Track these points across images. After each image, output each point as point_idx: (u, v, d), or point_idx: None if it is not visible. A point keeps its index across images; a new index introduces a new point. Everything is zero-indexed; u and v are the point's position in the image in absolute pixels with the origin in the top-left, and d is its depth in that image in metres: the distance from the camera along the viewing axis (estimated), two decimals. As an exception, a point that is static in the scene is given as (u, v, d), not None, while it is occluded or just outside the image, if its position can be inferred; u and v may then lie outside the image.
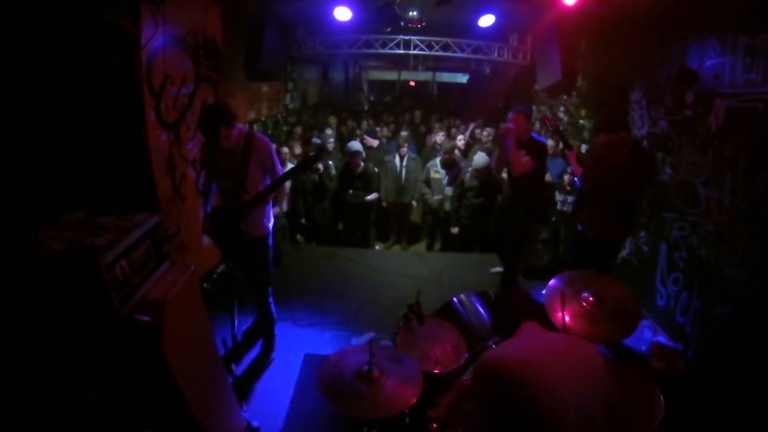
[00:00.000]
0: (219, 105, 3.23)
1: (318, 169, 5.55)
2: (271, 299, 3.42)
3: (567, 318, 2.26)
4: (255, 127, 6.35)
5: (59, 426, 1.71)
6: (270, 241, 3.29)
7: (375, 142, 6.56)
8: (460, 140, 6.23)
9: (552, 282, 2.52)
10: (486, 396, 1.57)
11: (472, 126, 7.58)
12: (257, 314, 3.48)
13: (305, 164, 3.24)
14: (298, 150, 6.07)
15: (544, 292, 2.48)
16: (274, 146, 3.19)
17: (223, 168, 3.04)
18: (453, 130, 7.63)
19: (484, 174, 4.81)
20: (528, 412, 1.42)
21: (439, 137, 6.47)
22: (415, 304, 2.45)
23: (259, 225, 3.18)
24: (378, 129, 7.38)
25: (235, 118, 3.01)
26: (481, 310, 2.63)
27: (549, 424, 1.42)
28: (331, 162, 5.95)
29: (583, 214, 3.49)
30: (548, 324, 1.91)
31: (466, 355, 2.35)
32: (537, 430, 1.43)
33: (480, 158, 4.85)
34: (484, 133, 6.87)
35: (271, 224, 3.27)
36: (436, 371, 2.25)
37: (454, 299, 2.68)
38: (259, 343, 3.61)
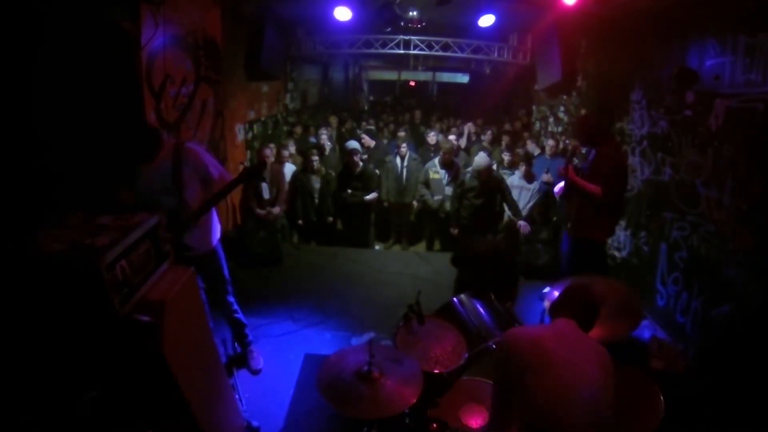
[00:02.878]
0: (154, 130, 2.88)
1: (312, 164, 5.50)
2: (235, 306, 3.27)
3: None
4: (255, 127, 6.36)
5: (59, 426, 1.71)
6: (221, 252, 3.11)
7: (372, 142, 6.57)
8: (461, 141, 6.21)
9: (551, 293, 2.58)
10: (497, 364, 1.82)
11: (467, 127, 7.55)
12: (229, 327, 3.32)
13: (246, 176, 2.94)
14: (292, 149, 6.07)
15: (547, 301, 2.50)
16: (204, 149, 2.97)
17: (159, 187, 2.78)
18: (453, 130, 7.62)
19: (485, 174, 4.80)
20: (524, 381, 1.65)
21: (431, 137, 6.45)
22: (415, 304, 2.46)
23: (205, 239, 2.98)
24: (377, 130, 7.34)
25: (162, 134, 2.83)
26: (482, 310, 2.63)
27: (540, 396, 1.60)
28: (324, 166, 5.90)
29: (586, 222, 3.57)
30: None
31: (466, 355, 2.35)
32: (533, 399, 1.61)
33: (481, 159, 4.85)
34: (484, 137, 6.88)
35: (218, 236, 3.08)
36: (436, 371, 2.25)
37: (454, 299, 2.68)
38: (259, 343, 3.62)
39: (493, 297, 2.71)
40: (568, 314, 1.83)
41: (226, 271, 3.16)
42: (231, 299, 3.22)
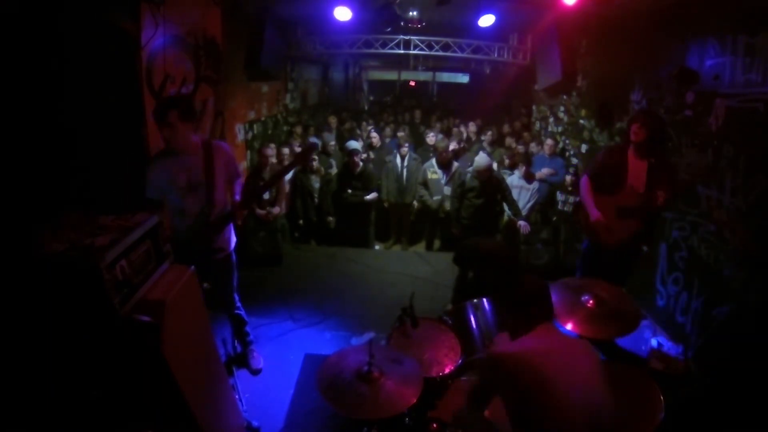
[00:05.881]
0: (179, 95, 2.81)
1: (312, 164, 5.55)
2: (238, 303, 3.23)
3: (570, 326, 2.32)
4: (255, 127, 6.36)
5: (59, 426, 1.71)
6: (235, 256, 3.09)
7: (378, 141, 6.63)
8: (453, 145, 6.21)
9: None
10: (486, 383, 1.80)
11: (471, 125, 7.57)
12: (230, 323, 3.32)
13: (299, 160, 3.01)
14: (299, 149, 6.09)
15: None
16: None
17: (185, 185, 2.67)
18: (454, 130, 7.62)
19: (485, 174, 4.81)
20: (524, 403, 1.64)
21: (431, 137, 6.46)
22: (408, 307, 2.45)
23: (228, 239, 2.95)
24: (376, 132, 7.35)
25: (195, 116, 2.71)
26: (491, 319, 2.63)
27: (545, 414, 1.59)
28: (333, 160, 5.97)
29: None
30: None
31: (460, 361, 2.36)
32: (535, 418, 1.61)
33: (481, 159, 4.85)
34: (484, 137, 6.89)
35: (234, 236, 3.05)
36: (427, 375, 2.25)
37: (468, 303, 2.68)
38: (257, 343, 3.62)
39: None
40: (543, 317, 1.81)
41: (236, 275, 3.15)
42: (235, 296, 3.22)
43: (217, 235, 2.80)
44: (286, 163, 5.58)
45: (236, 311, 3.26)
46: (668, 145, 3.35)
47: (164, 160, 2.68)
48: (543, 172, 5.44)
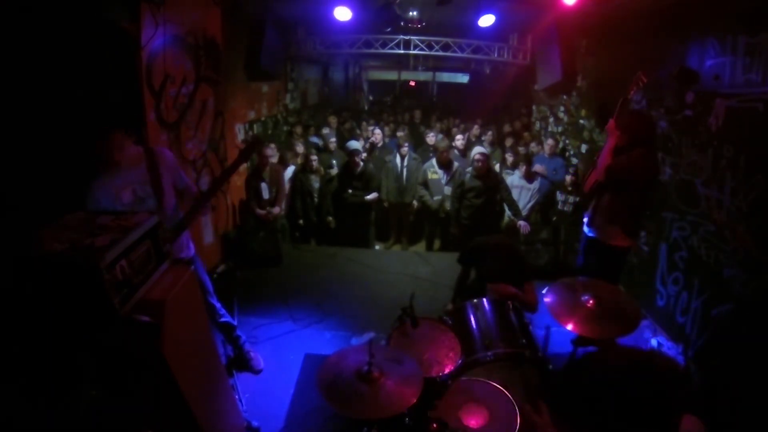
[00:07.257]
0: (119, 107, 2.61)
1: (312, 164, 5.56)
2: (221, 311, 3.15)
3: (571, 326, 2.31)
4: (255, 127, 6.36)
5: (59, 426, 1.71)
6: (198, 260, 2.96)
7: (380, 140, 6.65)
8: (459, 140, 6.23)
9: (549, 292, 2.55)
10: None
11: (474, 129, 7.58)
12: (219, 332, 3.21)
13: (246, 153, 2.72)
14: (300, 149, 6.09)
15: (546, 299, 2.49)
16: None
17: (131, 200, 2.51)
18: (454, 130, 7.62)
19: (483, 166, 4.80)
20: None
21: (430, 137, 6.46)
22: (408, 307, 2.45)
23: (186, 245, 2.84)
24: (378, 131, 7.38)
25: (137, 134, 2.51)
26: (491, 319, 2.63)
27: None
28: (334, 161, 5.97)
29: (612, 228, 3.23)
30: None
31: (460, 361, 2.36)
32: None
33: (477, 150, 4.88)
34: (484, 137, 6.90)
35: (191, 242, 2.93)
36: (427, 375, 2.25)
37: (468, 303, 2.68)
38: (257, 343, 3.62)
39: (511, 306, 2.69)
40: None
41: (206, 277, 3.04)
42: (215, 302, 3.08)
43: (173, 243, 2.66)
44: (290, 166, 5.61)
45: (221, 319, 3.14)
46: (641, 139, 3.13)
47: (102, 178, 2.46)
48: (537, 168, 5.47)
